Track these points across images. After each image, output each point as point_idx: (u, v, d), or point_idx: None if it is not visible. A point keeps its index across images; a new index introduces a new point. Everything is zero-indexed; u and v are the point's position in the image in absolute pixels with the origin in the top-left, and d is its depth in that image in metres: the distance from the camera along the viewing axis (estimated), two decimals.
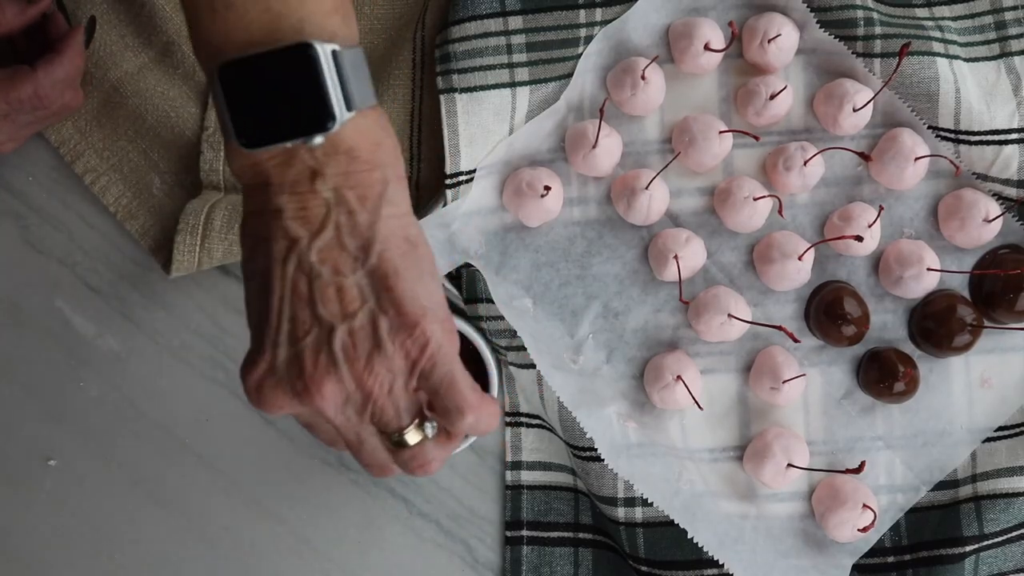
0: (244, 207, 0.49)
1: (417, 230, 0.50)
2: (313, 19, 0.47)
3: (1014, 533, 0.68)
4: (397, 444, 0.50)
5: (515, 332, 0.68)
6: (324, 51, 0.46)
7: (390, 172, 0.49)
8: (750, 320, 0.69)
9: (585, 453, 0.68)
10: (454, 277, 0.70)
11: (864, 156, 0.70)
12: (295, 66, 0.46)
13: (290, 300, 0.47)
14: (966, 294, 0.70)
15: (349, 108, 0.47)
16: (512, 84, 0.69)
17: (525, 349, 0.68)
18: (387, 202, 0.48)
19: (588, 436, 0.67)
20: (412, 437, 0.50)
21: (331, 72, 0.47)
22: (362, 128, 0.48)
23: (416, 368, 0.49)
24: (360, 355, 0.48)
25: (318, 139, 0.47)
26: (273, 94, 0.46)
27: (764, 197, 0.69)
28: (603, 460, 0.67)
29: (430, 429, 0.50)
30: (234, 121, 0.47)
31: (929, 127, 0.69)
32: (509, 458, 0.71)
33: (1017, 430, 0.70)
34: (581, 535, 0.71)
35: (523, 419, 0.71)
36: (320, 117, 0.47)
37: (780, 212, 0.69)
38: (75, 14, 0.71)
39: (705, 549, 0.67)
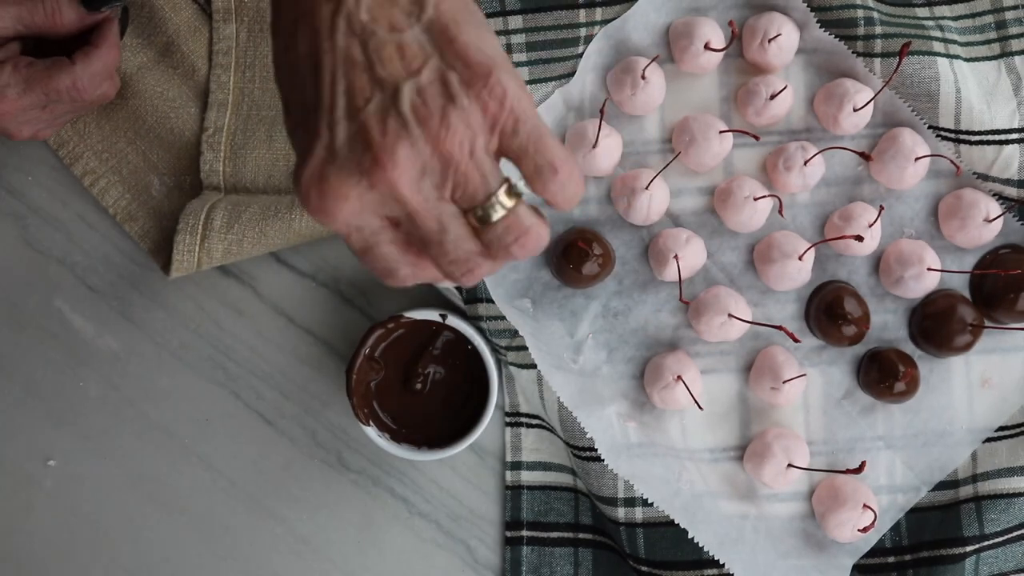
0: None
1: None
2: None
3: (1015, 533, 0.68)
4: (484, 220, 0.43)
5: (515, 332, 0.68)
6: None
7: None
8: (750, 320, 0.69)
9: (585, 453, 0.68)
10: None
11: (864, 156, 0.70)
12: None
13: (344, 70, 0.42)
14: (967, 294, 0.70)
15: None
16: None
17: (525, 349, 0.67)
18: None
19: (588, 436, 0.67)
20: (502, 206, 0.43)
21: None
22: None
23: (497, 125, 0.43)
24: (434, 112, 0.42)
25: None
26: None
27: (764, 197, 0.68)
28: (603, 460, 0.67)
29: (523, 186, 0.44)
30: None
31: (929, 127, 0.69)
32: (509, 458, 0.71)
33: (1017, 430, 0.70)
34: (581, 535, 0.71)
35: (523, 419, 0.71)
36: None
37: (780, 212, 0.69)
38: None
39: (705, 549, 0.67)
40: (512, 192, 0.43)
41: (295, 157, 0.44)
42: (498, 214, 0.43)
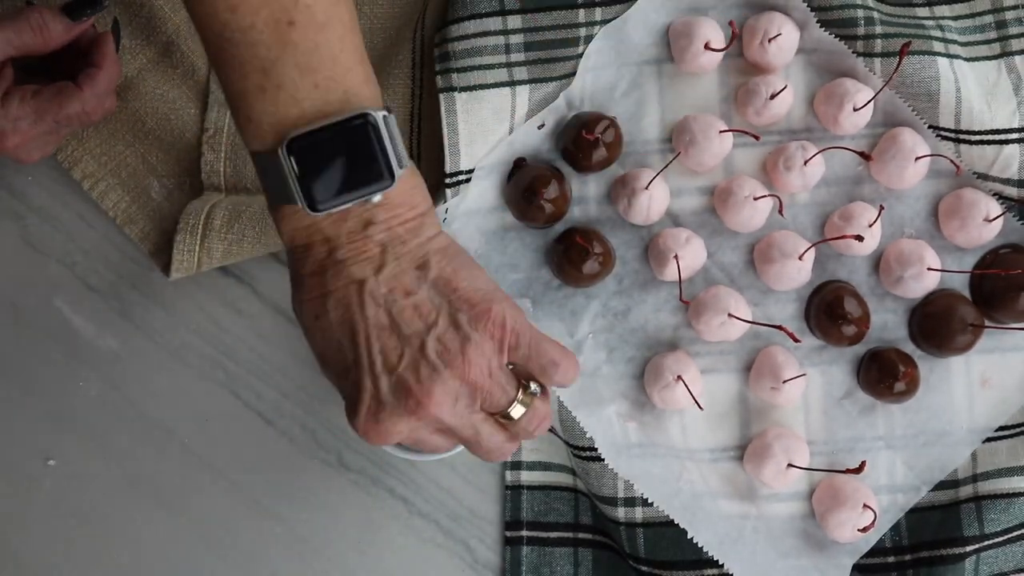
0: (298, 269, 0.53)
1: (451, 239, 0.55)
2: (354, 90, 0.51)
3: (1015, 533, 0.68)
4: (509, 418, 0.54)
5: None
6: (378, 118, 0.51)
7: (424, 207, 0.54)
8: (750, 320, 0.69)
9: (585, 453, 0.68)
10: None
11: (864, 156, 0.70)
12: (355, 134, 0.51)
13: (376, 334, 0.52)
14: (967, 294, 0.70)
15: (400, 166, 0.52)
16: (511, 83, 0.69)
17: None
18: (427, 228, 0.54)
19: (588, 436, 0.67)
20: (523, 405, 0.54)
21: (386, 136, 0.51)
22: (404, 178, 0.53)
23: (504, 345, 0.53)
24: (455, 353, 0.52)
25: (377, 197, 0.52)
26: (337, 161, 0.51)
27: (764, 197, 0.68)
28: (603, 460, 0.67)
29: (535, 387, 0.55)
30: (302, 189, 0.51)
31: (930, 127, 0.69)
32: (509, 458, 0.71)
33: (1018, 430, 0.70)
34: (581, 535, 0.71)
35: None
36: (381, 177, 0.51)
37: (780, 212, 0.69)
38: (104, 18, 0.71)
39: (705, 549, 0.67)
40: (527, 392, 0.55)
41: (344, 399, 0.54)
42: (518, 412, 0.54)
